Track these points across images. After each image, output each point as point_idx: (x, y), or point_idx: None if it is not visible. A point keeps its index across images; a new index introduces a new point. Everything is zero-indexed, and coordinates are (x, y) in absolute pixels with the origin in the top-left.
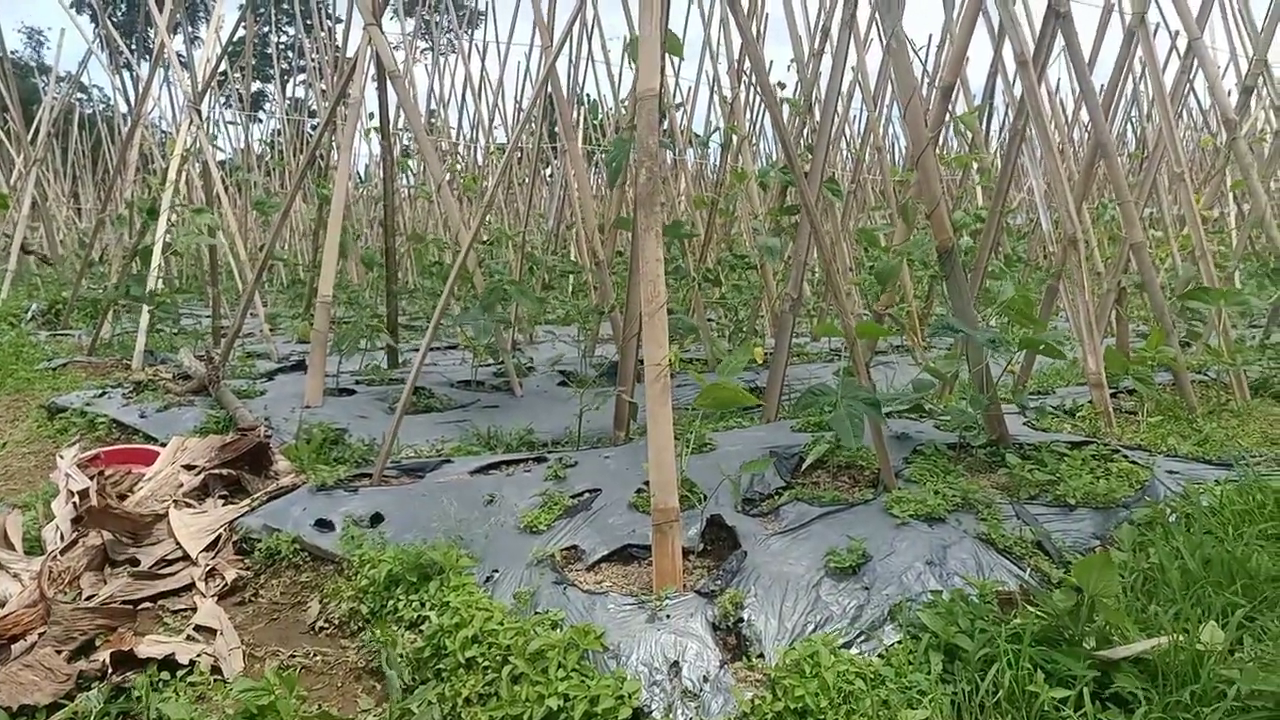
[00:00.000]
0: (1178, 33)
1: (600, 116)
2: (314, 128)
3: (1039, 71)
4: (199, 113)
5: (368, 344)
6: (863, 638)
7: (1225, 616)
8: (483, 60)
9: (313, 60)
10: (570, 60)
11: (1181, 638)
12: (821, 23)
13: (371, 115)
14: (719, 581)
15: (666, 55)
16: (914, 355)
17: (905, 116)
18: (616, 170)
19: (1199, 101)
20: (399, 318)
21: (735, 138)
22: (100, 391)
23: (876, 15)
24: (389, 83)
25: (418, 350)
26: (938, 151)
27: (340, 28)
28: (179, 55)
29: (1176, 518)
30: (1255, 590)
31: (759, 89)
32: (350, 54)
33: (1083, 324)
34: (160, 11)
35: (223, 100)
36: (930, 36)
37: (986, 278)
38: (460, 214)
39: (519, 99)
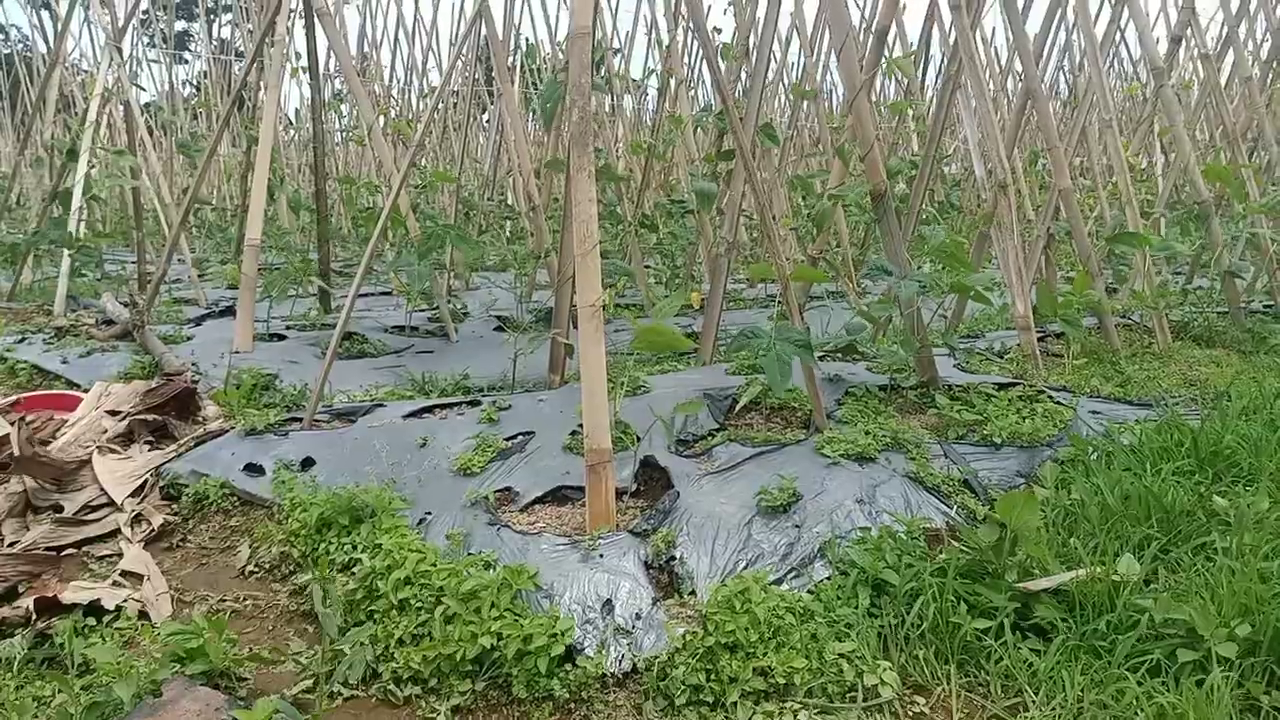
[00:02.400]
0: None
1: (538, 61)
2: (241, 70)
3: (973, 17)
4: (120, 51)
5: (299, 289)
6: (793, 574)
7: (1141, 549)
8: (415, 0)
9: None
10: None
11: (1099, 570)
12: None
13: (299, 55)
14: (652, 521)
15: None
16: (849, 299)
17: (840, 61)
18: (551, 111)
19: (1129, 51)
20: (333, 264)
21: (672, 82)
22: (20, 337)
23: None
24: (317, 21)
25: (363, 295)
26: (874, 98)
27: None
28: None
29: (1098, 456)
30: (1170, 524)
31: (696, 33)
32: None
33: (1012, 269)
34: None
35: (146, 40)
36: None
37: (920, 224)
38: (393, 158)
39: (454, 40)
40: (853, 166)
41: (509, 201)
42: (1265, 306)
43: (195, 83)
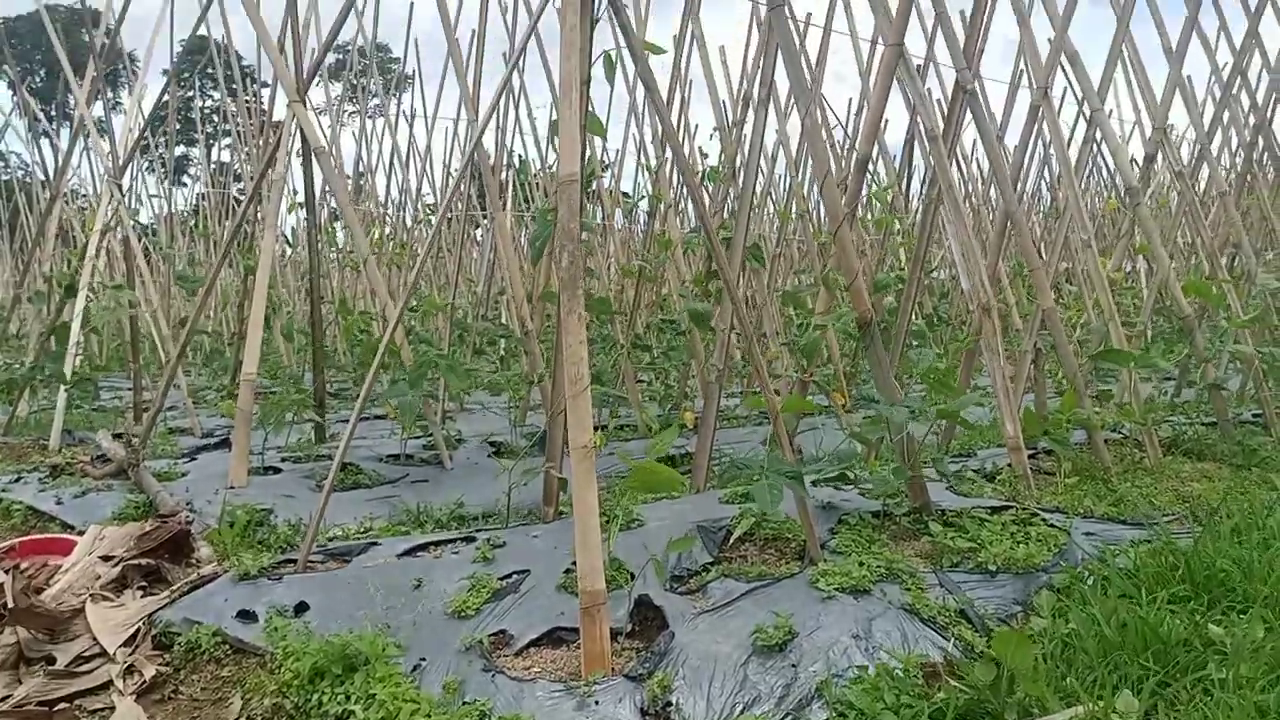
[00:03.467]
0: (1084, 101)
1: (530, 176)
2: (240, 191)
3: (949, 146)
4: (119, 187)
5: (294, 418)
6: (790, 718)
7: (1140, 684)
8: (410, 127)
9: (237, 125)
10: (498, 128)
11: (1098, 707)
12: (743, 91)
13: (297, 191)
14: (647, 664)
15: (590, 135)
16: (839, 421)
17: (822, 193)
18: (540, 250)
19: (1106, 164)
20: (328, 386)
21: (661, 205)
22: (15, 476)
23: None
24: (314, 159)
25: (346, 422)
26: (860, 215)
27: (266, 92)
28: (99, 122)
29: (1094, 581)
30: (1167, 656)
31: (680, 171)
32: (276, 118)
33: (999, 390)
34: (80, 84)
35: (145, 165)
36: (850, 101)
37: (909, 337)
38: (389, 284)
39: (447, 163)
40: (838, 289)
41: (503, 319)
42: (1254, 416)
43: (194, 205)
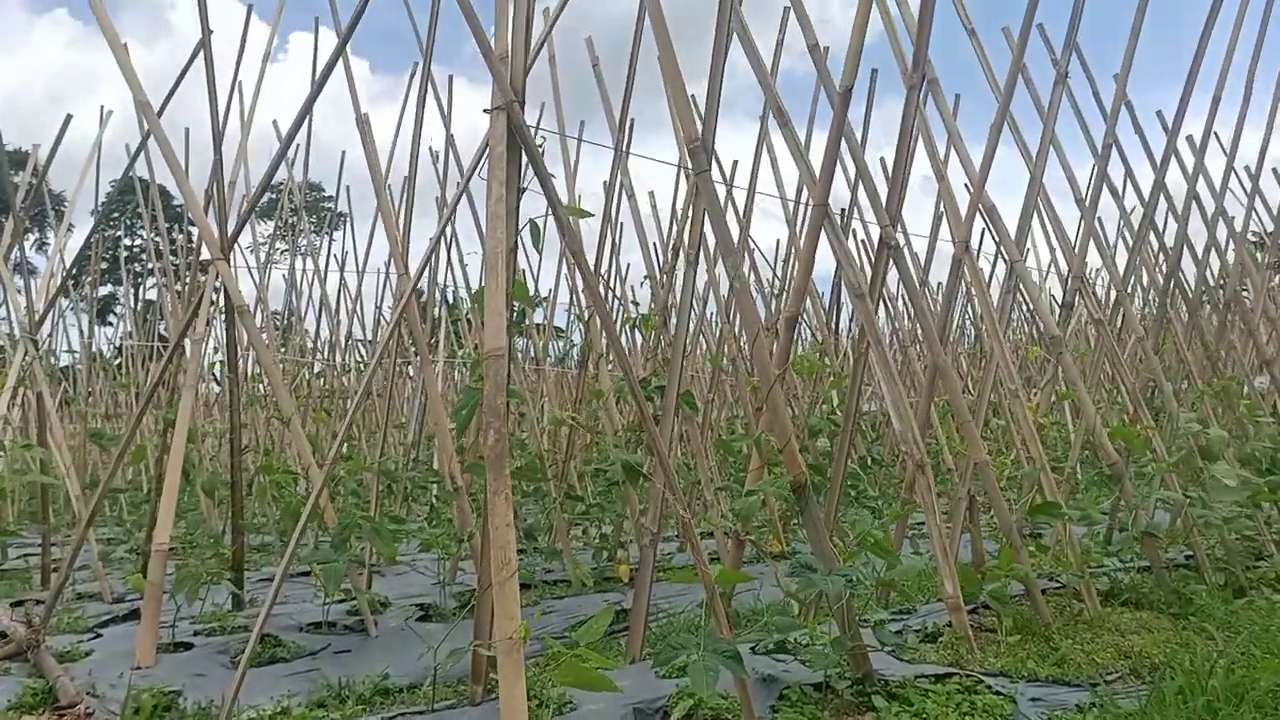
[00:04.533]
0: (1000, 247)
1: (462, 314)
2: (166, 330)
3: (875, 300)
4: (35, 343)
5: (208, 587)
6: None
7: None
8: (341, 271)
9: (164, 265)
10: (430, 269)
11: None
12: (673, 239)
13: (217, 350)
14: None
15: (515, 302)
16: (777, 580)
17: (752, 354)
18: (466, 420)
19: (1025, 304)
20: (247, 541)
21: (592, 354)
22: None
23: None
24: (237, 318)
25: (267, 581)
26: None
27: (196, 230)
28: (21, 264)
29: None
30: None
31: (604, 328)
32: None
33: (937, 548)
34: None
35: (68, 305)
36: (778, 242)
37: (845, 482)
38: (311, 452)
39: (379, 304)
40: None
41: (435, 463)
42: (1186, 557)
43: (118, 345)
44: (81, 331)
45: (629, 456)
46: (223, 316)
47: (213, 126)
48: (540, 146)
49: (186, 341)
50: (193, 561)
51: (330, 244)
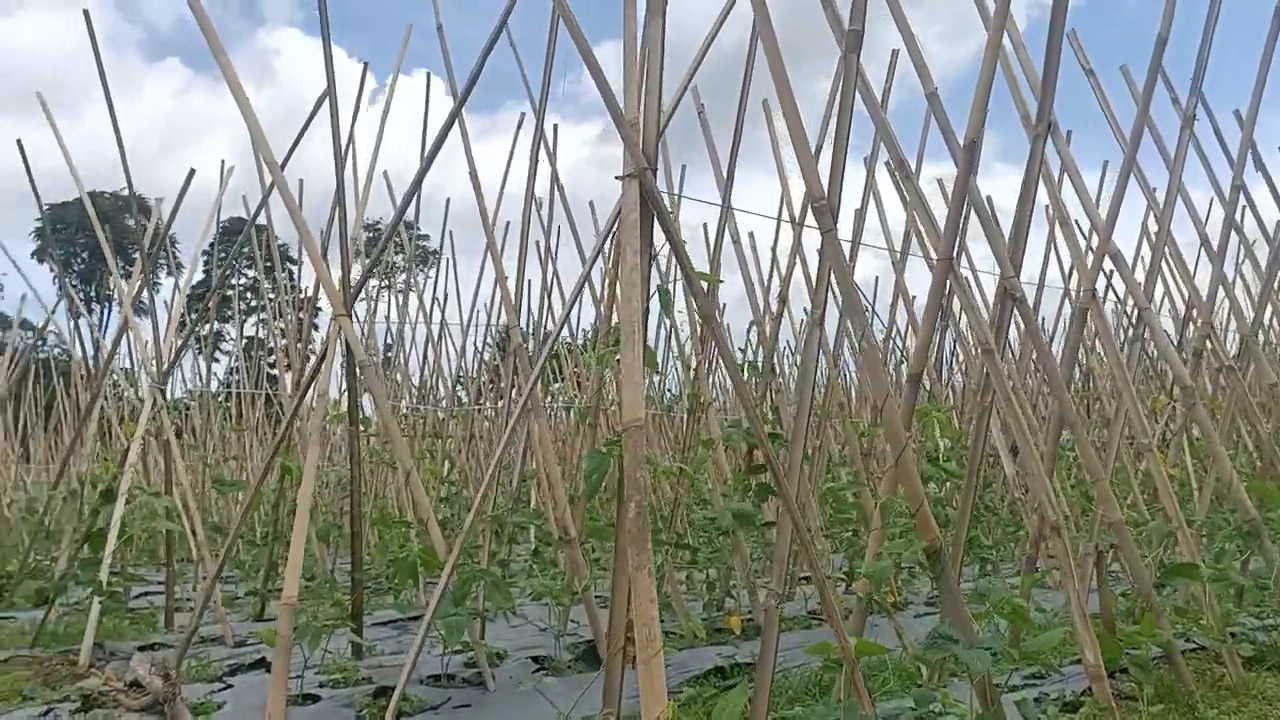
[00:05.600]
0: (1128, 298)
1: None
2: (271, 363)
3: (1001, 355)
4: (163, 393)
5: (328, 636)
6: None
7: None
8: (443, 312)
9: (271, 302)
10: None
11: None
12: (771, 286)
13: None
14: None
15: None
16: (899, 636)
17: (881, 418)
18: (595, 486)
19: (1148, 355)
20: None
21: (701, 403)
22: (45, 709)
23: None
24: (358, 371)
25: (382, 624)
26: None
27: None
28: (140, 303)
29: None
30: None
31: (736, 389)
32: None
33: (1075, 614)
34: (121, 272)
35: (178, 344)
36: (875, 279)
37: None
38: (428, 504)
39: (479, 347)
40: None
41: (533, 502)
42: None
43: (225, 381)
44: (200, 375)
45: (740, 506)
46: (344, 371)
47: (338, 187)
48: (673, 211)
49: (310, 395)
50: (312, 611)
51: (433, 287)
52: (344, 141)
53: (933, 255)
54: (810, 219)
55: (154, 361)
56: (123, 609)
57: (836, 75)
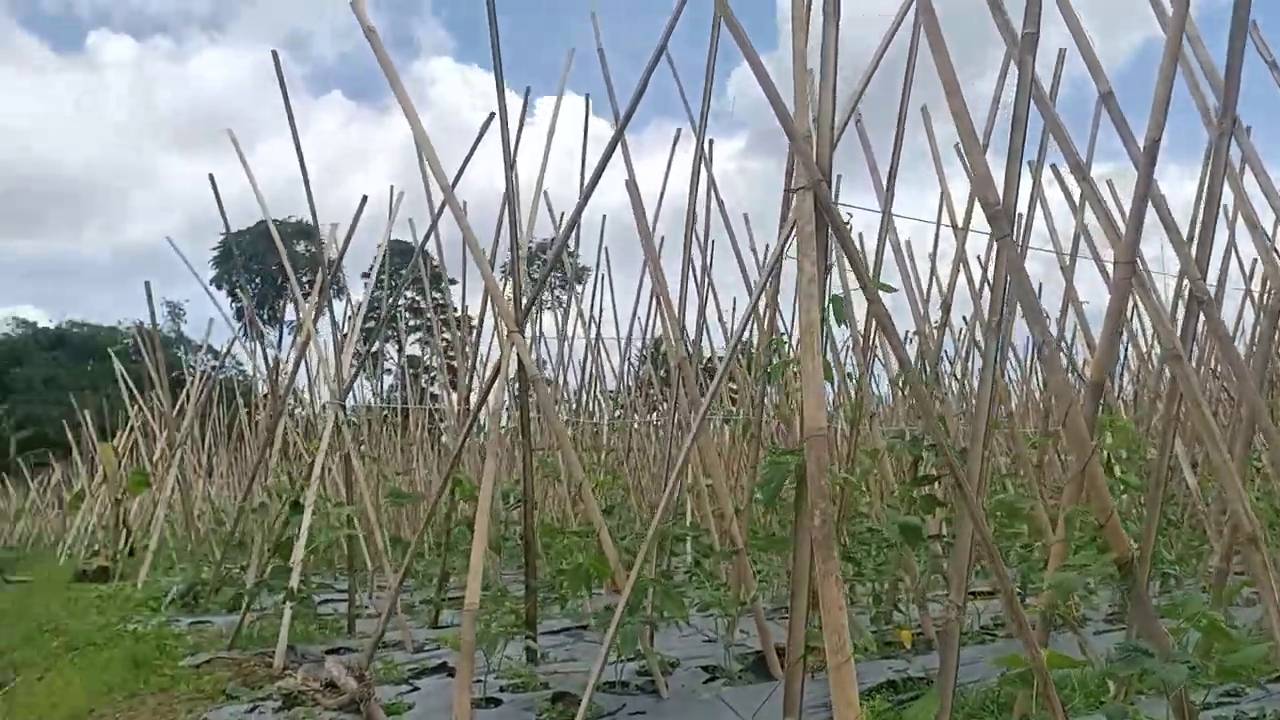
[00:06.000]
0: None
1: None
2: (429, 381)
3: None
4: (343, 408)
5: (505, 642)
6: None
7: None
8: (598, 326)
9: (428, 321)
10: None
11: None
12: (931, 293)
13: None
14: None
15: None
16: (1082, 650)
17: (1065, 427)
18: (771, 495)
19: None
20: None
21: (863, 414)
22: (251, 707)
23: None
24: (531, 387)
25: (554, 633)
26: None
27: (454, 289)
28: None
29: None
30: None
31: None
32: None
33: (1276, 629)
34: (300, 295)
35: (354, 363)
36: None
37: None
38: (600, 518)
39: (632, 360)
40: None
41: (688, 514)
42: None
43: (385, 396)
44: (373, 393)
45: (907, 519)
46: (515, 387)
47: (510, 209)
48: (848, 223)
49: (481, 412)
50: (489, 619)
51: (591, 307)
52: (507, 165)
53: (1104, 258)
54: (976, 223)
55: (334, 380)
56: (311, 614)
57: (1001, 77)
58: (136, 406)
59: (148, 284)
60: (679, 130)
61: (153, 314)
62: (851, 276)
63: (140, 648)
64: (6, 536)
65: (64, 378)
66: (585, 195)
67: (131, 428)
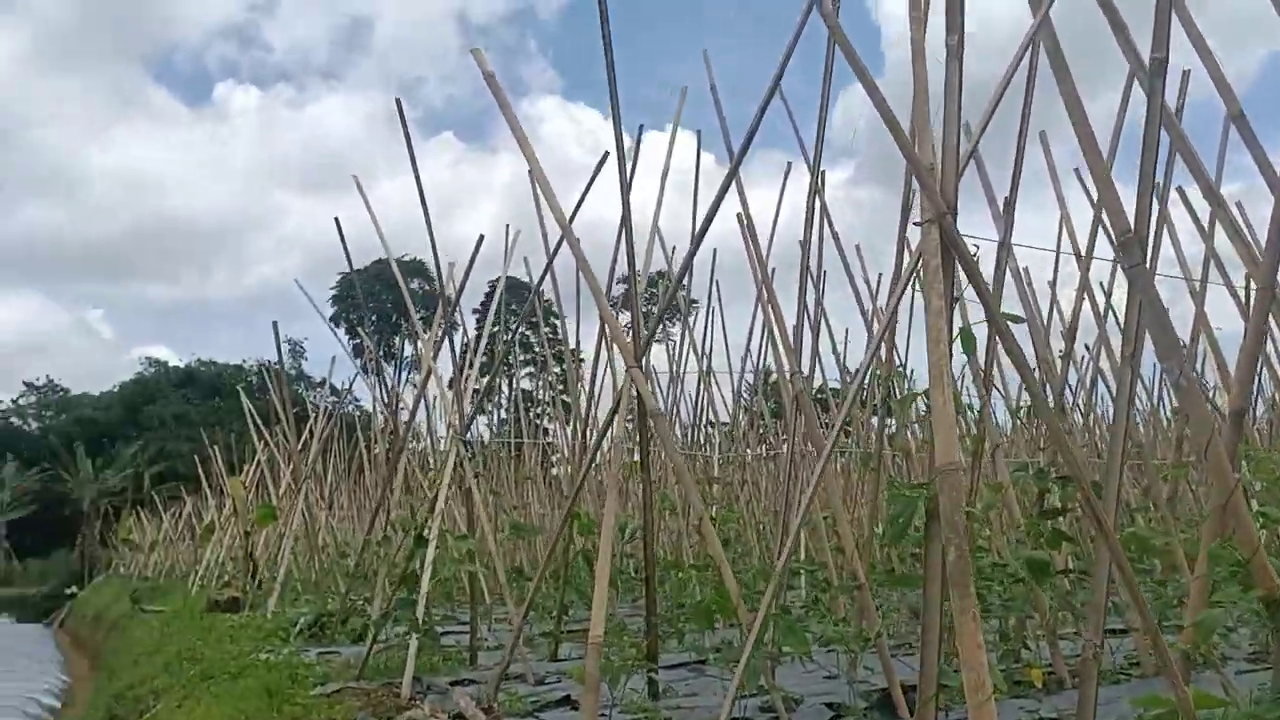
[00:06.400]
0: None
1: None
2: (537, 416)
3: None
4: (465, 444)
5: (628, 676)
6: None
7: None
8: (709, 359)
9: (538, 356)
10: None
11: None
12: (1069, 326)
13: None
14: None
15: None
16: (1225, 691)
17: (1207, 458)
18: (900, 531)
19: None
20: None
21: (986, 447)
22: None
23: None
24: (651, 421)
25: (671, 667)
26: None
27: (559, 323)
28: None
29: None
30: None
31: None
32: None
33: None
34: (419, 331)
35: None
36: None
37: None
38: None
39: (748, 393)
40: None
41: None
42: None
43: (496, 430)
44: (492, 429)
45: (1035, 553)
46: (634, 421)
47: (628, 250)
48: (974, 256)
49: (601, 448)
50: (611, 652)
51: (699, 333)
52: (624, 201)
53: (1236, 284)
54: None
55: (454, 413)
56: (435, 646)
57: (1123, 101)
58: (263, 441)
59: (275, 323)
60: (789, 164)
61: (279, 350)
62: (972, 307)
63: (273, 677)
64: (142, 567)
65: (193, 414)
66: (702, 230)
67: (258, 462)
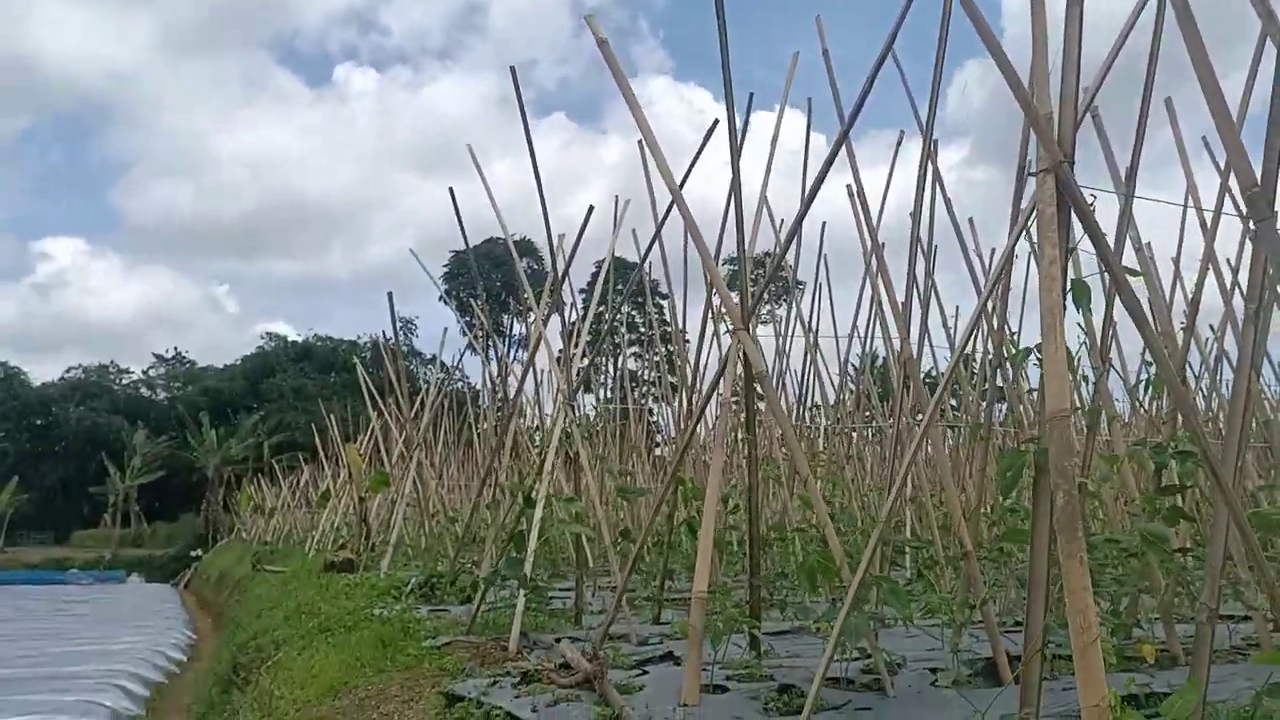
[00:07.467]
0: None
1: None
2: (641, 397)
3: None
4: (572, 408)
5: (730, 635)
6: None
7: None
8: (817, 334)
9: (643, 335)
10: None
11: None
12: (1192, 296)
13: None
14: None
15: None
16: None
17: None
18: (1011, 483)
19: None
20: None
21: (1103, 419)
22: (491, 680)
23: None
24: (757, 384)
25: (772, 635)
26: None
27: (665, 303)
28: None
29: None
30: None
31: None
32: (679, 324)
33: None
34: (531, 308)
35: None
36: None
37: None
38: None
39: (854, 369)
40: None
41: (907, 528)
42: None
43: (600, 409)
44: (594, 407)
45: (1152, 526)
46: (742, 385)
47: (737, 219)
48: (1091, 204)
49: (711, 407)
50: (718, 611)
51: (812, 318)
52: (734, 166)
53: None
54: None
55: (563, 379)
56: (542, 605)
57: (1254, 62)
58: (377, 411)
59: (390, 294)
60: (902, 132)
61: (394, 321)
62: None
63: (386, 629)
64: (262, 532)
65: (310, 387)
66: (812, 192)
67: (372, 431)
